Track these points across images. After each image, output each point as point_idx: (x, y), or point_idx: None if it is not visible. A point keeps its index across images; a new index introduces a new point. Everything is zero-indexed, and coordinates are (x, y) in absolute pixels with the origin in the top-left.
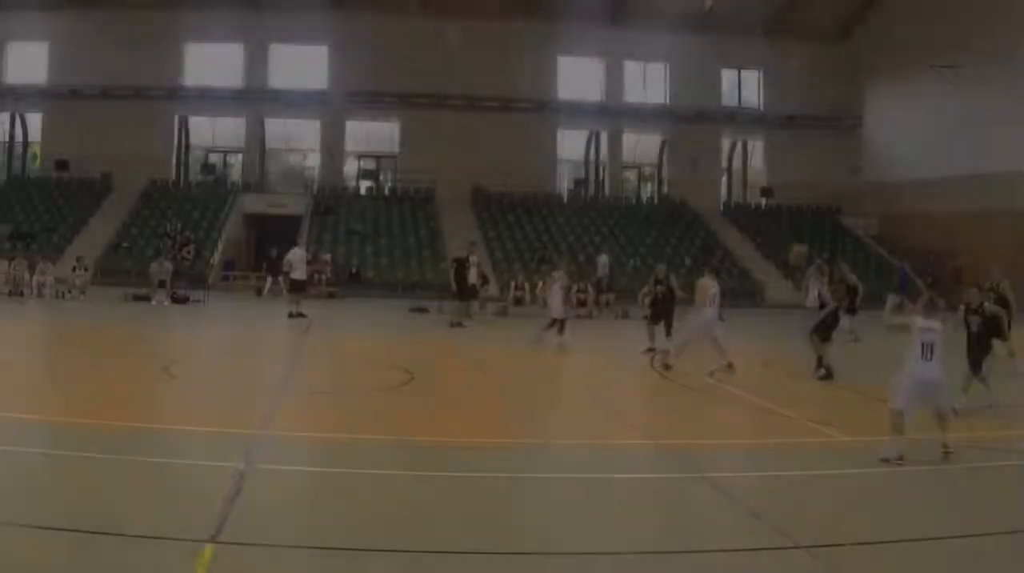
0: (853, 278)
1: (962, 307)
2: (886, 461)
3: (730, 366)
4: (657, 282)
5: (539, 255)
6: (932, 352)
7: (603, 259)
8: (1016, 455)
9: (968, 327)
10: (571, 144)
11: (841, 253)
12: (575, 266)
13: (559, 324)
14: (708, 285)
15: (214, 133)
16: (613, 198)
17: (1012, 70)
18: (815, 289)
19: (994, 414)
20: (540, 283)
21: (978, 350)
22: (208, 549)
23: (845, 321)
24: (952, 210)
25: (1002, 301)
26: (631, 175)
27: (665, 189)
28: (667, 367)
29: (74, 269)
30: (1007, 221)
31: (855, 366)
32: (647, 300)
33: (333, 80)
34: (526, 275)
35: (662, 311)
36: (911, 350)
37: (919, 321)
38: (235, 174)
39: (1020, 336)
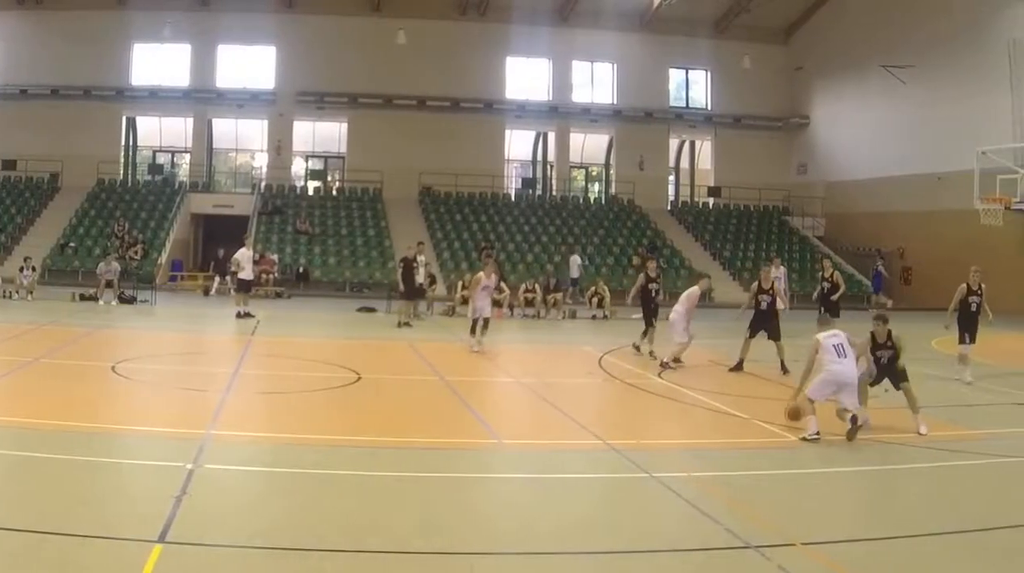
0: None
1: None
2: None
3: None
4: (650, 280)
5: (486, 254)
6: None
7: (575, 259)
8: (962, 455)
9: (878, 361)
10: (519, 144)
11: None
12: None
13: (483, 323)
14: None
15: (162, 133)
16: (561, 198)
17: (957, 71)
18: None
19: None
20: (460, 282)
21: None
22: (156, 549)
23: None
24: (899, 210)
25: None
26: (579, 175)
27: (613, 189)
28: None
29: (21, 269)
30: (954, 221)
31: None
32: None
33: (281, 80)
34: (474, 275)
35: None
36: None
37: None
38: (183, 174)
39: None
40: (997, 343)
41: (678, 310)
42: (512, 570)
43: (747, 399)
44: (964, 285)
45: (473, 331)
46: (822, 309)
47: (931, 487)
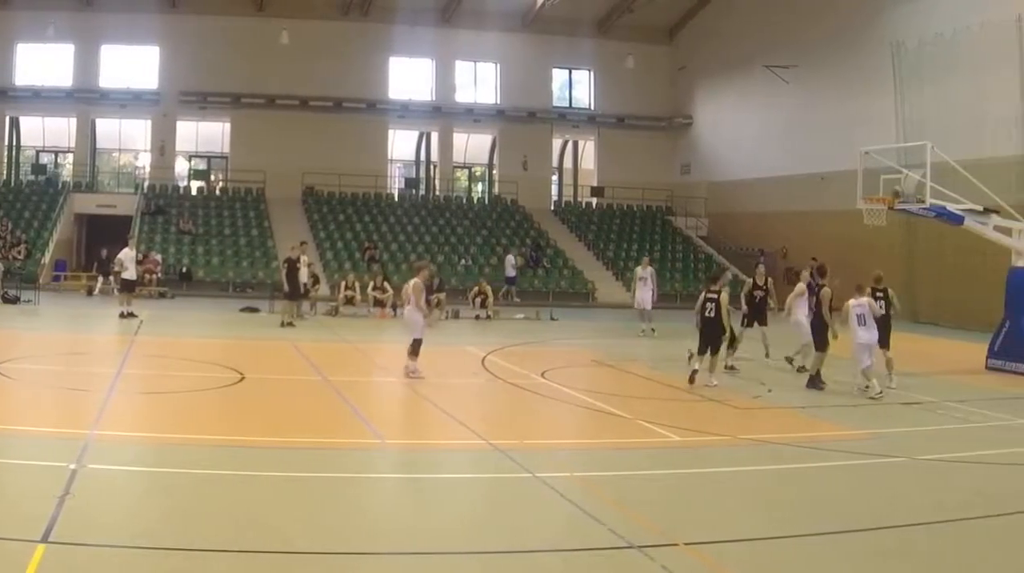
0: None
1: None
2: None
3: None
4: (756, 287)
5: (369, 254)
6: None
7: (510, 259)
8: (845, 455)
9: (753, 300)
10: (402, 144)
11: (671, 253)
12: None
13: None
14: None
15: (45, 133)
16: (444, 198)
17: (841, 71)
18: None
19: (833, 415)
20: (345, 283)
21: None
22: (39, 549)
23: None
24: (782, 210)
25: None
26: (462, 175)
27: (496, 189)
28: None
29: None
30: (838, 221)
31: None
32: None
33: (164, 80)
34: (357, 275)
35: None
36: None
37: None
38: (66, 174)
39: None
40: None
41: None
42: (395, 570)
43: (630, 399)
44: (827, 289)
45: (418, 349)
46: (746, 317)
47: (814, 487)
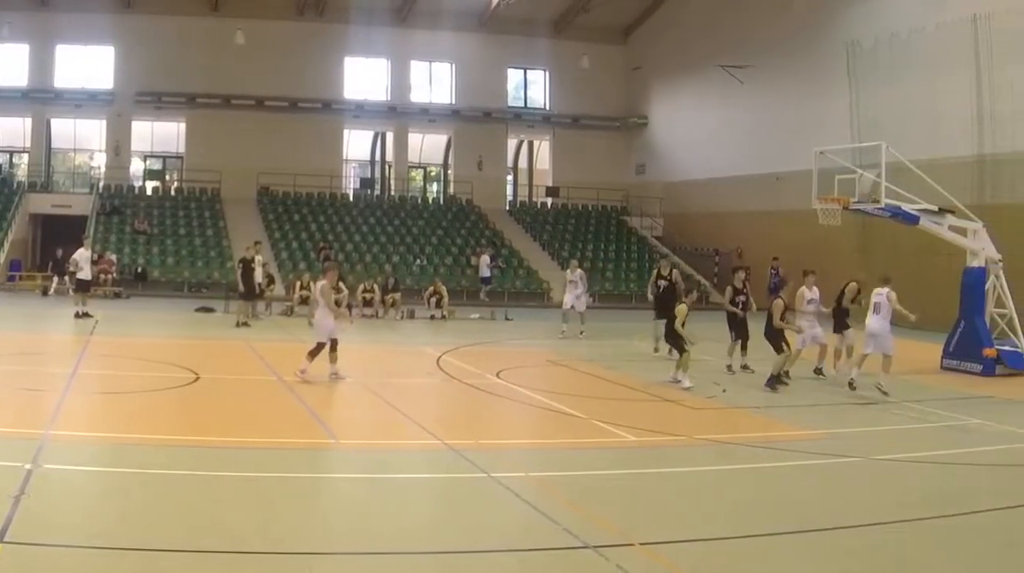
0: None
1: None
2: None
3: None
4: (660, 277)
5: (324, 255)
6: None
7: (485, 259)
8: (801, 455)
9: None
10: (357, 144)
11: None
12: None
13: (332, 345)
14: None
15: None
16: (399, 198)
17: (796, 72)
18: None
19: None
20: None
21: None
22: None
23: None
24: (737, 210)
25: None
26: (417, 175)
27: (451, 189)
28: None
29: None
30: (793, 221)
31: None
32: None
33: (119, 80)
34: (312, 275)
35: (663, 307)
36: None
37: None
38: (21, 174)
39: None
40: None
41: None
42: (350, 570)
43: (585, 399)
44: (853, 283)
45: (318, 352)
46: (657, 309)
47: (769, 487)
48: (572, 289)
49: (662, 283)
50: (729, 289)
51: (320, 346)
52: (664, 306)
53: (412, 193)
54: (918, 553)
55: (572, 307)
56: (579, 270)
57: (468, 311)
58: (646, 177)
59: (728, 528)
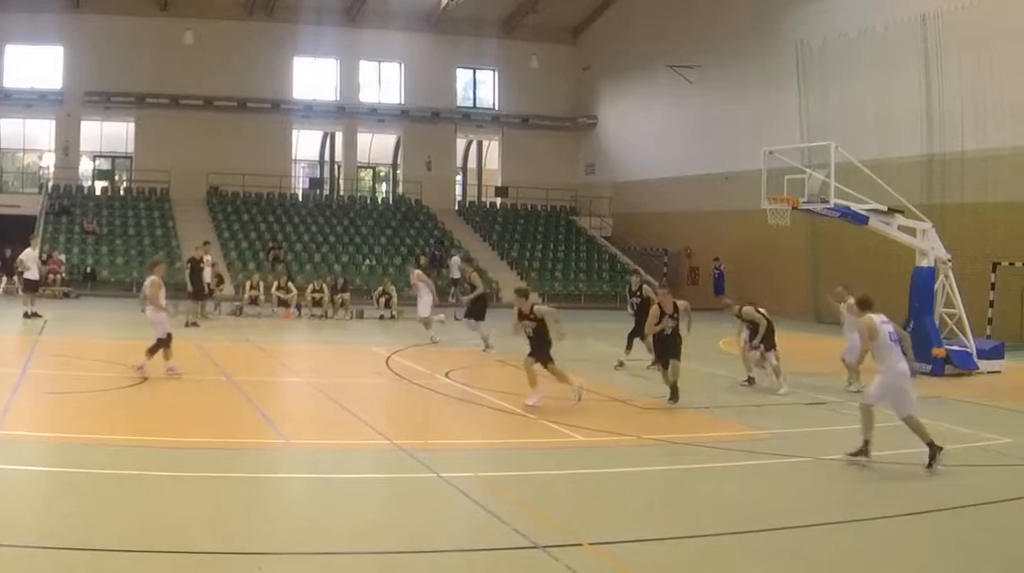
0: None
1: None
2: None
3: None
4: (631, 294)
5: (273, 255)
6: None
7: (455, 261)
8: (749, 455)
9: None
10: (307, 144)
11: (575, 253)
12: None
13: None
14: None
15: None
16: (348, 198)
17: (745, 71)
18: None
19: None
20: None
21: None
22: None
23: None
24: (686, 210)
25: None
26: (366, 175)
27: (400, 189)
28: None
29: None
30: (742, 221)
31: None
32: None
33: (68, 80)
34: (261, 275)
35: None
36: None
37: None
38: None
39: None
40: (786, 344)
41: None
42: (300, 570)
43: None
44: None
45: (158, 349)
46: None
47: (718, 487)
48: (419, 295)
49: (635, 301)
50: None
51: (161, 341)
52: (641, 322)
53: (361, 193)
54: (865, 553)
55: (429, 315)
56: (417, 270)
57: (417, 311)
58: (595, 177)
59: (677, 528)
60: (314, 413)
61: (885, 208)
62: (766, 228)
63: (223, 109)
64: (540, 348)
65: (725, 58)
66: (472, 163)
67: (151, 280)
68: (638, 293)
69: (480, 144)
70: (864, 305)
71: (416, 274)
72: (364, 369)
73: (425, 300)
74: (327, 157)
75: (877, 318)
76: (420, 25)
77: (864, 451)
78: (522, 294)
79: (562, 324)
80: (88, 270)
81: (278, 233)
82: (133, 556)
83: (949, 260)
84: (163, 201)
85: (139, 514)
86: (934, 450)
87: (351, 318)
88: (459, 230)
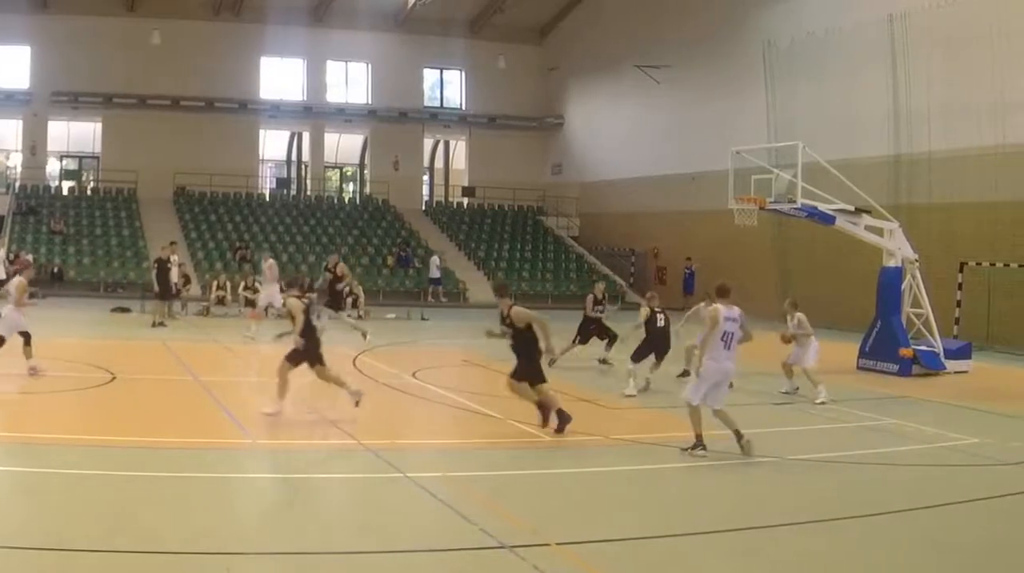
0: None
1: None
2: None
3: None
4: (596, 302)
5: (240, 255)
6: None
7: (435, 260)
8: (714, 455)
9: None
10: (274, 144)
11: (542, 253)
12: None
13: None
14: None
15: None
16: (315, 198)
17: (712, 71)
18: None
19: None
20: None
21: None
22: None
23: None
24: (653, 210)
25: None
26: (334, 175)
27: (367, 189)
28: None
29: None
30: (709, 221)
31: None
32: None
33: (35, 80)
34: (228, 275)
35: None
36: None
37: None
38: None
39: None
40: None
41: None
42: (267, 570)
43: (501, 399)
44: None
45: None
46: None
47: (684, 487)
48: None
49: (599, 309)
50: (590, 298)
51: (1, 340)
52: (604, 328)
53: (328, 193)
54: (830, 553)
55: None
56: (271, 261)
57: (384, 311)
58: (562, 177)
59: (644, 528)
60: (281, 413)
61: (852, 208)
62: (733, 228)
63: (190, 109)
64: (525, 365)
65: (693, 58)
66: (439, 163)
67: (18, 281)
68: (603, 300)
69: (447, 144)
70: (720, 293)
71: (270, 263)
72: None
73: (267, 292)
74: (294, 157)
75: (723, 311)
76: (387, 25)
77: (699, 445)
78: (498, 292)
79: (549, 336)
80: (55, 270)
81: (245, 233)
82: (101, 556)
83: (916, 260)
84: (130, 201)
85: (106, 514)
86: (740, 438)
87: (318, 318)
88: (426, 230)
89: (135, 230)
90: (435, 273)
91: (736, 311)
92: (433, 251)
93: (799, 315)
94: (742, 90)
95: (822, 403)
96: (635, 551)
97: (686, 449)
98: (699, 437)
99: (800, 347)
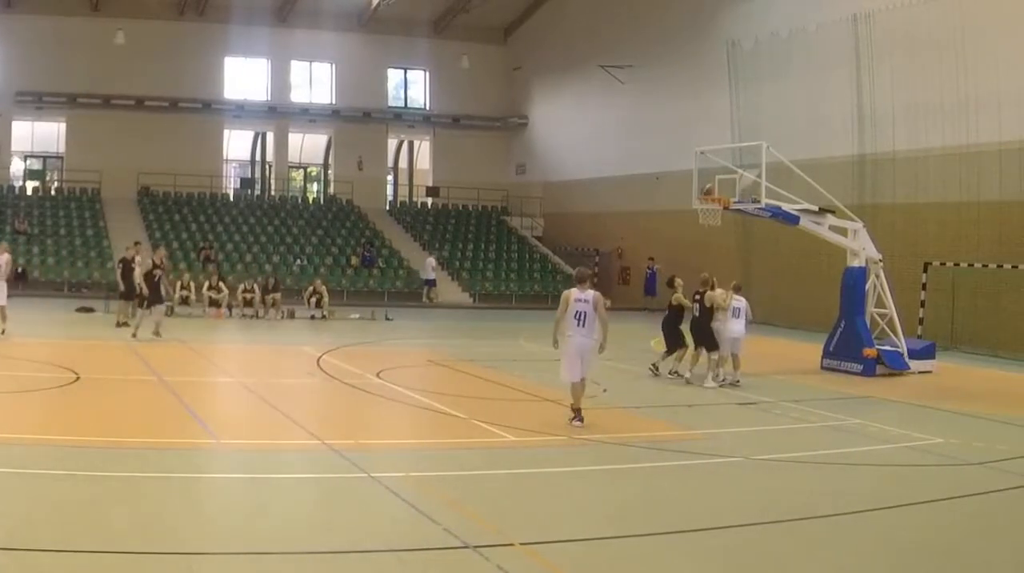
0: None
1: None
2: None
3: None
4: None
5: (204, 255)
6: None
7: (430, 261)
8: (681, 455)
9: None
10: (238, 144)
11: (507, 253)
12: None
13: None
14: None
15: None
16: (280, 198)
17: (677, 71)
18: None
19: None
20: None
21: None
22: None
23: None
24: (617, 210)
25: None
26: (297, 175)
27: (331, 189)
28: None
29: None
30: (673, 221)
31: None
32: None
33: None
34: (192, 275)
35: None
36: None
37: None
38: None
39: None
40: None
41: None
42: (231, 570)
43: (465, 399)
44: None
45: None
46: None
47: (650, 487)
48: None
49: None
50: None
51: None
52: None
53: (292, 193)
54: (794, 553)
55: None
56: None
57: (348, 311)
58: (526, 177)
59: (608, 528)
60: (245, 413)
61: (816, 208)
62: (697, 228)
63: (154, 109)
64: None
65: (657, 58)
66: (403, 163)
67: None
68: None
69: (411, 144)
70: (578, 279)
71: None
72: (295, 369)
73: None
74: (258, 157)
75: (574, 293)
76: (351, 25)
77: (577, 417)
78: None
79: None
80: (19, 270)
81: (209, 233)
82: (63, 556)
83: (880, 260)
84: (94, 201)
85: (69, 514)
86: (577, 414)
87: (282, 318)
88: (390, 230)
89: (99, 230)
90: (429, 274)
91: (590, 294)
92: (397, 251)
93: (732, 294)
94: (706, 90)
95: (710, 388)
96: (599, 551)
97: (571, 420)
98: (577, 410)
99: (718, 322)
